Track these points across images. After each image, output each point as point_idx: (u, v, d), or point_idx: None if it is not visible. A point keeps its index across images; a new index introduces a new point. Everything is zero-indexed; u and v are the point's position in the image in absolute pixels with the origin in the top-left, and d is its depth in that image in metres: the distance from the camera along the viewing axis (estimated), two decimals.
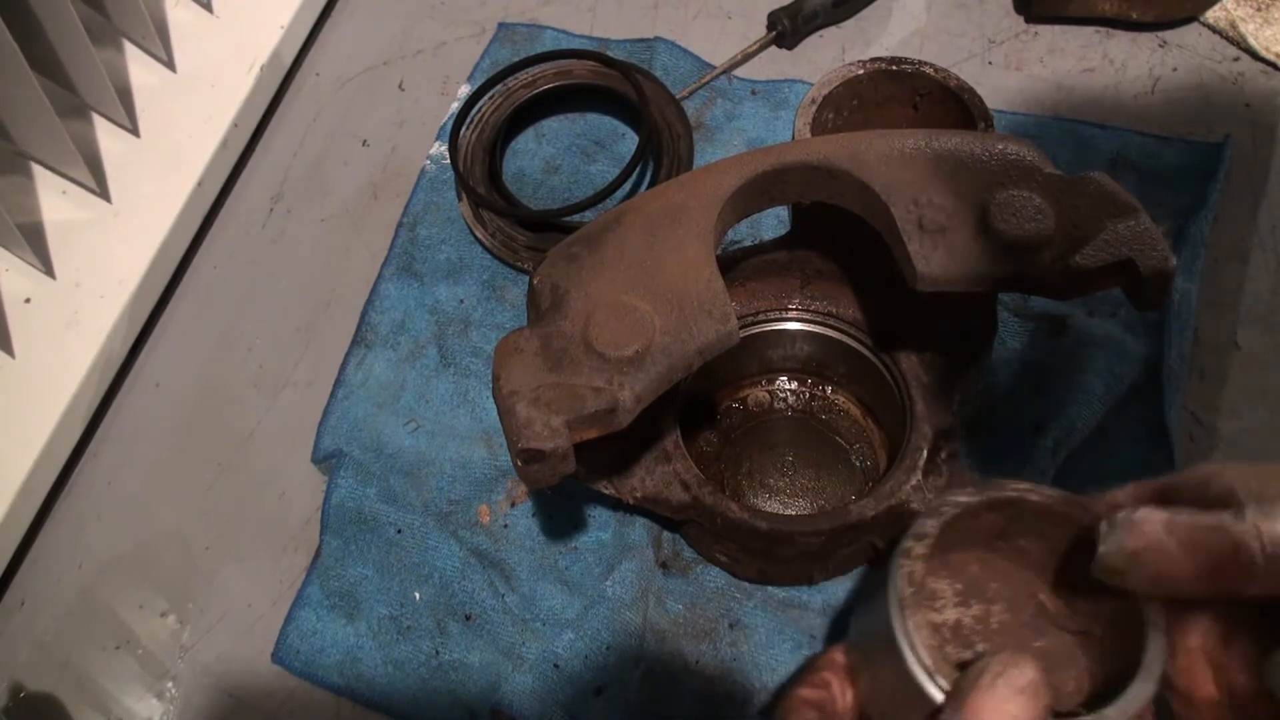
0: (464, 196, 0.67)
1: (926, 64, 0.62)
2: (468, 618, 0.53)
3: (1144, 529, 0.33)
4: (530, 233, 0.66)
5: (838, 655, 0.38)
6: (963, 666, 0.33)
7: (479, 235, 0.66)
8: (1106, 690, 0.33)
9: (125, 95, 0.71)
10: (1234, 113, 0.67)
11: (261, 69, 0.73)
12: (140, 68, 0.72)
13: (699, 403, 0.57)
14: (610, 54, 0.70)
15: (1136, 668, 0.32)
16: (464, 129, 0.69)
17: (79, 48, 0.62)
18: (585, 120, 0.73)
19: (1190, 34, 0.70)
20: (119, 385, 0.65)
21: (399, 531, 0.56)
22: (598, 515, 0.56)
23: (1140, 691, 0.32)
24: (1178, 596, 0.33)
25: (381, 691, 0.52)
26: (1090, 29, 0.72)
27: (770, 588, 0.53)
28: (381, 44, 0.79)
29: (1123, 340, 0.56)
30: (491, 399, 0.54)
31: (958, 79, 0.61)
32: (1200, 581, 0.32)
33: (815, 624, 0.52)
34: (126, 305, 0.64)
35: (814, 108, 0.62)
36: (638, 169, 0.65)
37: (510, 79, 0.70)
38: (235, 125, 0.71)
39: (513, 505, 0.57)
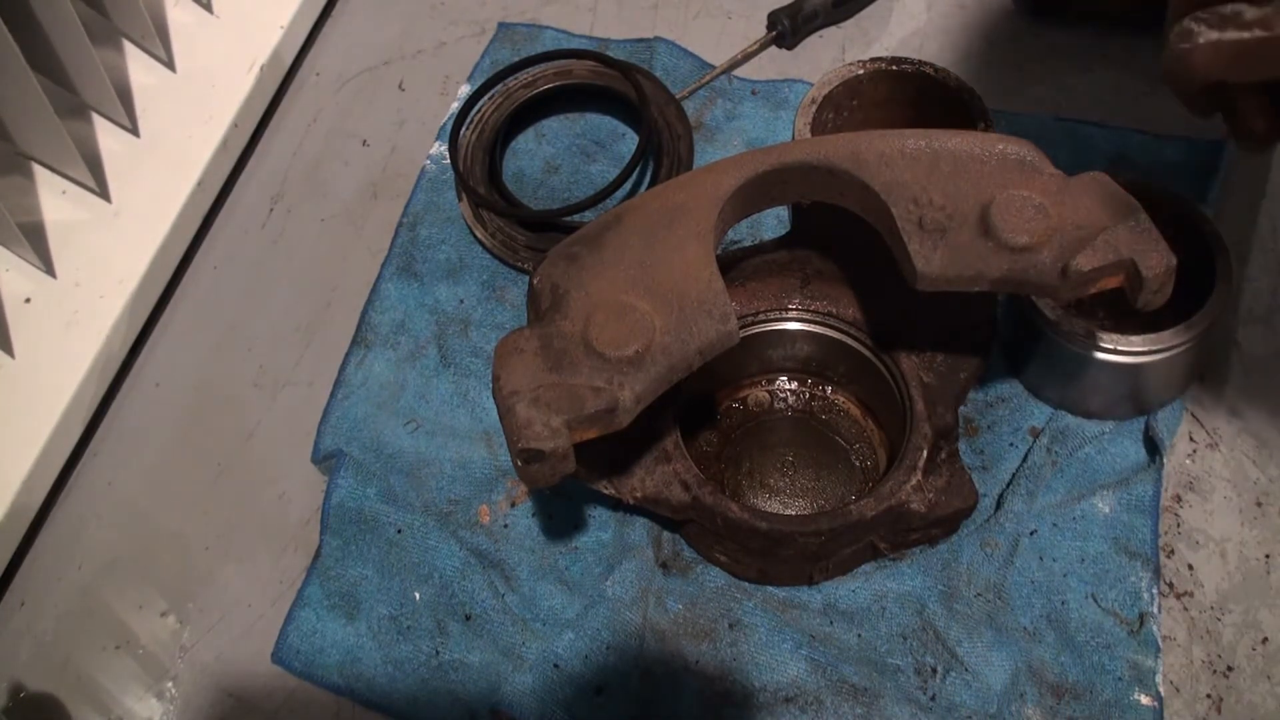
0: (464, 196, 0.67)
1: (926, 64, 0.62)
2: (468, 618, 0.53)
3: (1196, 57, 0.43)
4: (530, 233, 0.66)
5: None
6: None
7: (479, 235, 0.66)
8: None
9: (125, 95, 0.71)
10: None
11: (261, 69, 0.73)
12: (140, 67, 0.72)
13: (699, 403, 0.57)
14: (610, 54, 0.70)
15: None
16: (464, 129, 0.69)
17: (79, 48, 0.62)
18: (585, 120, 0.73)
19: None
20: (119, 385, 0.65)
21: (399, 531, 0.56)
22: (598, 515, 0.56)
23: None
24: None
25: (381, 691, 0.52)
26: (1090, 29, 0.72)
27: (770, 588, 0.53)
28: (381, 44, 0.79)
29: None
30: (491, 399, 0.54)
31: (958, 79, 0.62)
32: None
33: (815, 624, 0.52)
34: (126, 305, 0.64)
35: (814, 108, 0.62)
36: (638, 169, 0.65)
37: (510, 79, 0.70)
38: (235, 125, 0.71)
39: (513, 505, 0.57)
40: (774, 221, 0.66)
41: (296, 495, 0.60)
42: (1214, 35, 0.42)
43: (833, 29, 0.75)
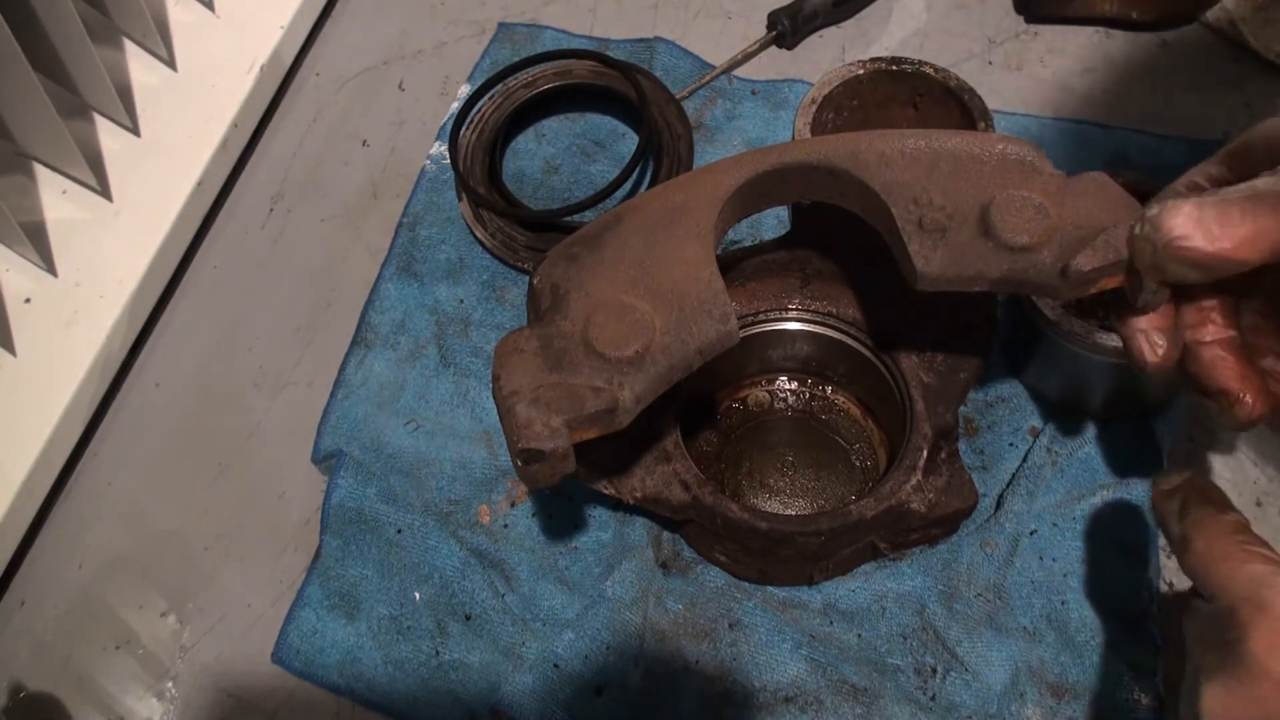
0: (464, 196, 0.67)
1: (926, 64, 0.62)
2: (468, 618, 0.53)
3: (1173, 219, 0.36)
4: (530, 233, 0.66)
5: None
6: None
7: (479, 235, 0.66)
8: None
9: (126, 94, 0.71)
10: (1234, 113, 0.67)
11: (261, 69, 0.73)
12: (141, 67, 0.72)
13: (699, 403, 0.57)
14: (610, 54, 0.70)
15: None
16: (464, 129, 0.69)
17: (80, 47, 0.62)
18: (585, 120, 0.73)
19: (1190, 34, 0.70)
20: (119, 385, 0.65)
21: (399, 531, 0.56)
22: (598, 515, 0.56)
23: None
24: (1227, 274, 0.36)
25: (381, 691, 0.52)
26: (1090, 29, 0.72)
27: (770, 588, 0.53)
28: (381, 44, 0.79)
29: None
30: (491, 399, 0.54)
31: (958, 79, 0.62)
32: (1252, 250, 0.35)
33: (815, 624, 0.52)
34: (126, 305, 0.64)
35: (814, 108, 0.62)
36: (638, 169, 0.65)
37: (510, 79, 0.70)
38: (235, 125, 0.71)
39: (513, 505, 0.57)
40: (774, 221, 0.66)
41: (296, 495, 0.60)
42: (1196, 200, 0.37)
43: (833, 29, 0.75)
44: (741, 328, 0.55)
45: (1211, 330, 0.41)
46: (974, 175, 0.44)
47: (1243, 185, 0.36)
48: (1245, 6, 0.69)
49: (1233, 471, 0.54)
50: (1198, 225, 0.36)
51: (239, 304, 0.68)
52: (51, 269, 0.64)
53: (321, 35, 0.80)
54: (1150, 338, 0.40)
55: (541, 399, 0.40)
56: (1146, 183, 0.51)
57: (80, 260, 0.65)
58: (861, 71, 0.63)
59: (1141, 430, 0.55)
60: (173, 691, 0.55)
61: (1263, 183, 0.36)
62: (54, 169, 0.65)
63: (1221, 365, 0.40)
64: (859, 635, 0.51)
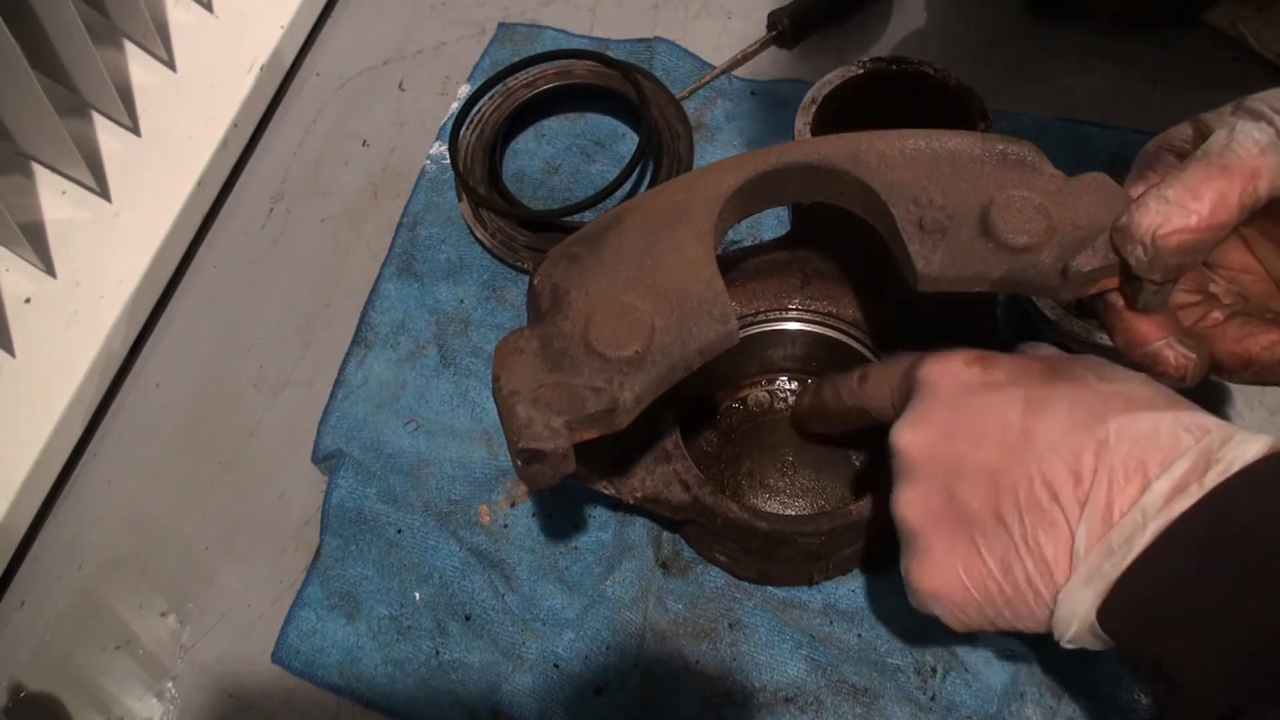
0: (464, 196, 0.67)
1: (926, 64, 0.62)
2: (468, 618, 0.53)
3: (1144, 216, 0.37)
4: (530, 233, 0.66)
5: None
6: None
7: (479, 235, 0.66)
8: None
9: (126, 94, 0.71)
10: None
11: (261, 69, 0.73)
12: (141, 67, 0.72)
13: (699, 403, 0.57)
14: (610, 54, 0.70)
15: None
16: (464, 129, 0.69)
17: (80, 47, 0.62)
18: (585, 120, 0.73)
19: (1190, 34, 0.70)
20: (119, 385, 0.65)
21: (399, 531, 0.56)
22: (598, 515, 0.56)
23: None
24: (1215, 244, 0.36)
25: (381, 691, 0.52)
26: (1090, 29, 0.72)
27: (770, 588, 0.53)
28: (381, 44, 0.79)
29: None
30: (491, 399, 0.54)
31: (958, 79, 0.61)
32: (1224, 212, 0.35)
33: (815, 624, 0.52)
34: (126, 305, 0.64)
35: (814, 108, 0.62)
36: (638, 169, 0.65)
37: (510, 79, 0.70)
38: (235, 125, 0.71)
39: (513, 505, 0.57)
40: (774, 221, 0.66)
41: (296, 495, 0.60)
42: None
43: (833, 29, 0.75)
44: (741, 328, 0.55)
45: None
46: (974, 175, 0.44)
47: (1191, 160, 0.37)
48: (1245, 6, 0.69)
49: None
50: (1171, 209, 0.36)
51: (239, 304, 0.68)
52: (51, 270, 0.64)
53: (321, 35, 0.80)
54: (1174, 346, 0.39)
55: (541, 399, 0.40)
56: None
57: (80, 260, 0.65)
58: (861, 71, 0.63)
59: None
60: (173, 691, 0.55)
61: (1202, 150, 0.37)
62: (53, 169, 0.65)
63: (1142, 323, 0.40)
64: (859, 635, 0.51)
